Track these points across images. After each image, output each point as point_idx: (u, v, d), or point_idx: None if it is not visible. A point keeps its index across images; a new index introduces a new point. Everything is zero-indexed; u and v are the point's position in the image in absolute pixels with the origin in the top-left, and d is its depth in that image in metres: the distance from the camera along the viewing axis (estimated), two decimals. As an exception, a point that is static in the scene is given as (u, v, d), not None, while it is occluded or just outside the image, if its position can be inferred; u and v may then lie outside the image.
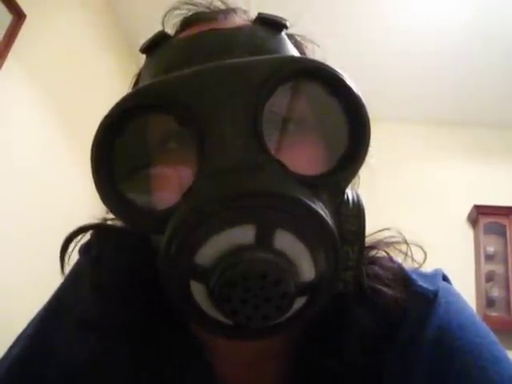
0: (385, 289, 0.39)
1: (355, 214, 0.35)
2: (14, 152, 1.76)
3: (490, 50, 2.52)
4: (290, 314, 0.31)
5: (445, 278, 0.44)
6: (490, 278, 2.70)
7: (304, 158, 0.35)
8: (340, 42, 2.43)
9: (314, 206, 0.29)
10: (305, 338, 0.40)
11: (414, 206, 2.75)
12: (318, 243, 0.29)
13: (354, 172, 0.33)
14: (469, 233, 2.87)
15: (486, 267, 2.71)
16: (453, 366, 0.36)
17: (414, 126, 3.07)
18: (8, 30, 1.72)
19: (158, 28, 0.43)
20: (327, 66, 0.32)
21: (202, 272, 0.29)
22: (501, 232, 2.78)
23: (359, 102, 0.32)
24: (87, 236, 0.43)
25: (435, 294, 0.40)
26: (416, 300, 0.40)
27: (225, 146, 0.30)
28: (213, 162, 0.30)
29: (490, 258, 2.74)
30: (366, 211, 0.36)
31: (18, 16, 1.76)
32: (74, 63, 2.12)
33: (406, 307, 0.39)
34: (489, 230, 2.79)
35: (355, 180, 0.40)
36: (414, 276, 0.42)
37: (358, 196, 0.37)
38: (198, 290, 0.30)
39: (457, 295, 0.42)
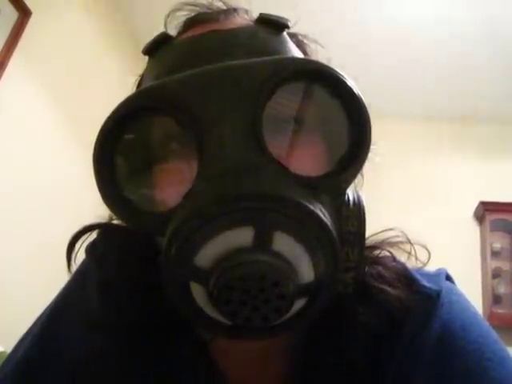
0: (388, 288, 0.39)
1: (355, 215, 0.35)
2: (17, 148, 1.76)
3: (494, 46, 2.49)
4: (289, 315, 0.31)
5: (448, 278, 0.44)
6: (496, 274, 2.69)
7: (304, 159, 0.35)
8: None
9: (312, 208, 0.29)
10: (307, 337, 0.40)
11: (420, 203, 2.73)
12: (317, 245, 0.29)
13: (354, 173, 0.33)
14: (475, 229, 2.85)
15: (493, 264, 2.69)
16: (455, 366, 0.36)
17: (418, 123, 3.04)
18: (14, 27, 1.72)
19: (162, 25, 0.43)
20: (327, 66, 0.32)
21: (202, 274, 0.29)
22: (507, 228, 2.76)
23: (360, 103, 0.32)
24: (94, 235, 0.43)
25: (438, 293, 0.40)
26: (419, 299, 0.40)
27: (224, 147, 0.30)
28: (212, 164, 0.30)
29: (496, 254, 2.73)
30: (371, 210, 0.36)
31: (24, 13, 1.76)
32: (79, 60, 2.13)
33: (410, 307, 0.39)
34: (495, 227, 2.77)
35: (359, 180, 0.40)
36: (417, 276, 0.42)
37: (358, 197, 0.36)
38: (198, 291, 0.30)
39: (460, 295, 0.42)
